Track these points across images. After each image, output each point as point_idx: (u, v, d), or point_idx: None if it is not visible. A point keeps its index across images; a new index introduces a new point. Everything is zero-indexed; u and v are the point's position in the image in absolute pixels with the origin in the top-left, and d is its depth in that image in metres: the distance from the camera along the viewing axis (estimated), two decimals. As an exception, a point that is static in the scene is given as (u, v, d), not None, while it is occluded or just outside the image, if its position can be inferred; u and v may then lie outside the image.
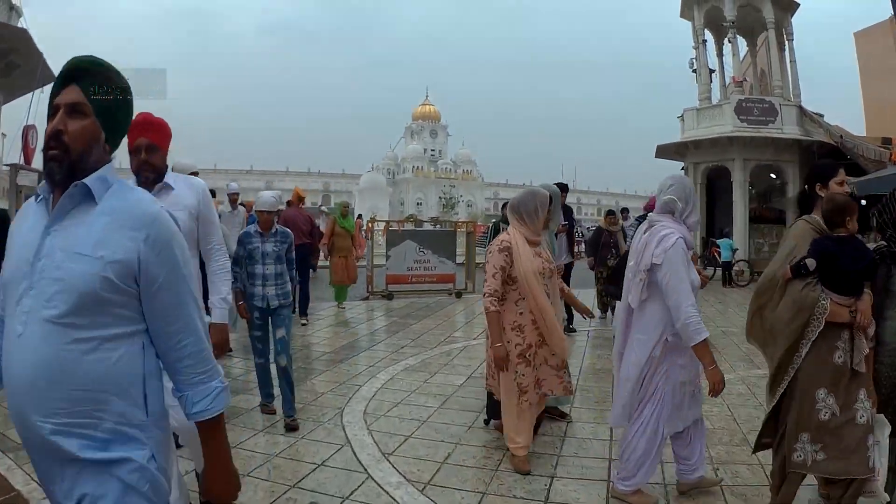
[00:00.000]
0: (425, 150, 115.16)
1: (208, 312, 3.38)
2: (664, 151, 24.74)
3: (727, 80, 24.84)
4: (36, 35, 14.93)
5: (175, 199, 3.16)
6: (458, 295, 13.66)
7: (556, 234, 7.01)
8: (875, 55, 25.01)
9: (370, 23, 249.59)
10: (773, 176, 22.43)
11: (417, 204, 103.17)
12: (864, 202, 16.81)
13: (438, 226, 16.96)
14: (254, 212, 5.78)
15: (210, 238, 3.44)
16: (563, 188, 7.50)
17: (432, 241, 13.91)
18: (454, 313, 11.57)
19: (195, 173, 4.97)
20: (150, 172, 3.14)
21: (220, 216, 8.82)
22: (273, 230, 5.35)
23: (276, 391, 5.46)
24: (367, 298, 12.95)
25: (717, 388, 3.35)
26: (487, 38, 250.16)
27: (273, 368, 5.38)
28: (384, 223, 14.63)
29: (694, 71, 25.02)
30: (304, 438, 4.88)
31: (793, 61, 22.87)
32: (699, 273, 3.70)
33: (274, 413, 5.29)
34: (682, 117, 24.23)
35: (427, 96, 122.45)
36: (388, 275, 13.34)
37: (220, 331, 3.38)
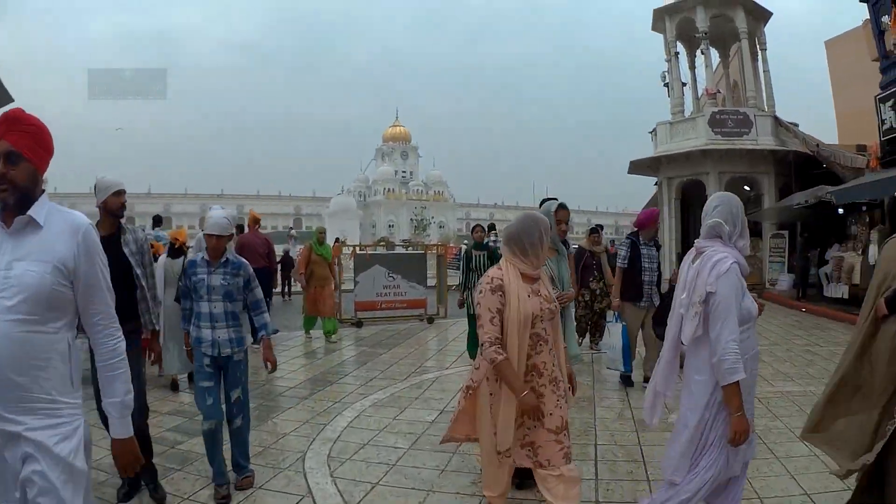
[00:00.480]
0: (396, 171, 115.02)
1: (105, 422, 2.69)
2: (637, 167, 24.56)
3: (700, 93, 24.73)
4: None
5: (39, 244, 2.17)
6: (430, 320, 13.17)
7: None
8: (846, 63, 24.52)
9: (334, 44, 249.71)
10: (746, 188, 22.22)
11: (389, 226, 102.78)
12: (841, 211, 16.84)
13: (411, 248, 16.57)
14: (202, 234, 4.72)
15: (93, 307, 2.29)
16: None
17: (402, 265, 13.49)
18: (426, 340, 11.13)
19: (121, 192, 4.34)
20: (11, 194, 2.16)
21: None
22: (223, 259, 4.50)
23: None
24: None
25: (739, 439, 2.93)
26: (451, 58, 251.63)
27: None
28: (352, 247, 14.14)
29: (666, 85, 24.93)
30: (262, 489, 4.46)
31: (766, 71, 22.80)
32: (755, 300, 3.23)
33: (228, 499, 4.25)
34: (654, 132, 24.07)
35: (397, 117, 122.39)
36: (357, 301, 12.84)
37: (123, 448, 2.36)
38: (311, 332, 11.26)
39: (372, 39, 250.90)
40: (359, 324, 12.48)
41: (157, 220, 13.24)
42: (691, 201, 22.89)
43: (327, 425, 5.91)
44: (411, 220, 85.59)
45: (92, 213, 3.63)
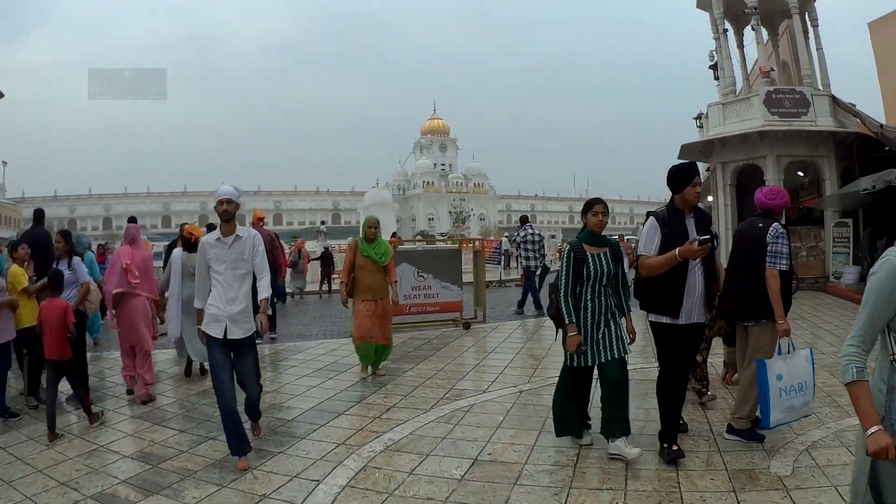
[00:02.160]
0: (435, 164, 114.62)
1: None
2: (688, 151, 22.93)
3: (749, 70, 23.28)
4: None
5: None
6: (467, 326, 11.56)
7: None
8: (892, 44, 24.02)
9: (372, 43, 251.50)
10: (800, 174, 20.65)
11: (429, 219, 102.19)
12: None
13: (449, 241, 14.95)
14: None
15: None
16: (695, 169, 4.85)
17: (433, 262, 11.82)
18: (461, 351, 9.59)
19: None
20: None
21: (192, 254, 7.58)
22: None
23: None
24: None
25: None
26: (490, 52, 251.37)
27: None
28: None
29: (712, 67, 23.36)
30: None
31: (819, 48, 20.78)
32: None
33: None
34: (699, 117, 22.86)
35: (435, 110, 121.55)
36: None
37: None
38: (372, 369, 8.01)
39: (409, 36, 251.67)
40: (385, 331, 11.01)
41: (132, 221, 12.40)
42: (747, 188, 21.08)
43: (320, 484, 4.45)
44: (450, 212, 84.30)
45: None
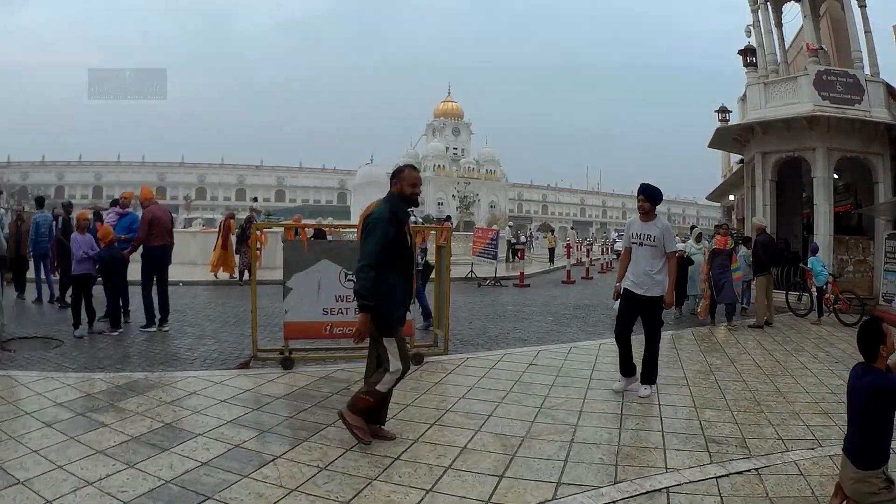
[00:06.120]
0: (447, 148, 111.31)
1: None
2: (723, 138, 19.79)
3: (787, 53, 20.36)
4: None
5: None
6: (418, 359, 7.43)
7: None
8: None
9: (388, 23, 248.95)
10: (835, 176, 17.33)
11: (438, 203, 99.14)
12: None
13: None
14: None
15: None
16: None
17: None
18: (406, 415, 5.56)
19: None
20: None
21: None
22: None
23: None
24: (246, 365, 7.09)
25: None
26: (508, 41, 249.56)
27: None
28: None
29: (741, 52, 20.04)
30: None
31: (868, 31, 17.23)
32: None
33: None
34: (720, 110, 20.75)
35: (449, 93, 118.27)
36: (288, 323, 7.21)
37: None
38: None
39: (426, 19, 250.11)
40: (286, 362, 7.05)
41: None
42: (784, 185, 17.98)
43: None
44: (453, 196, 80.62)
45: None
